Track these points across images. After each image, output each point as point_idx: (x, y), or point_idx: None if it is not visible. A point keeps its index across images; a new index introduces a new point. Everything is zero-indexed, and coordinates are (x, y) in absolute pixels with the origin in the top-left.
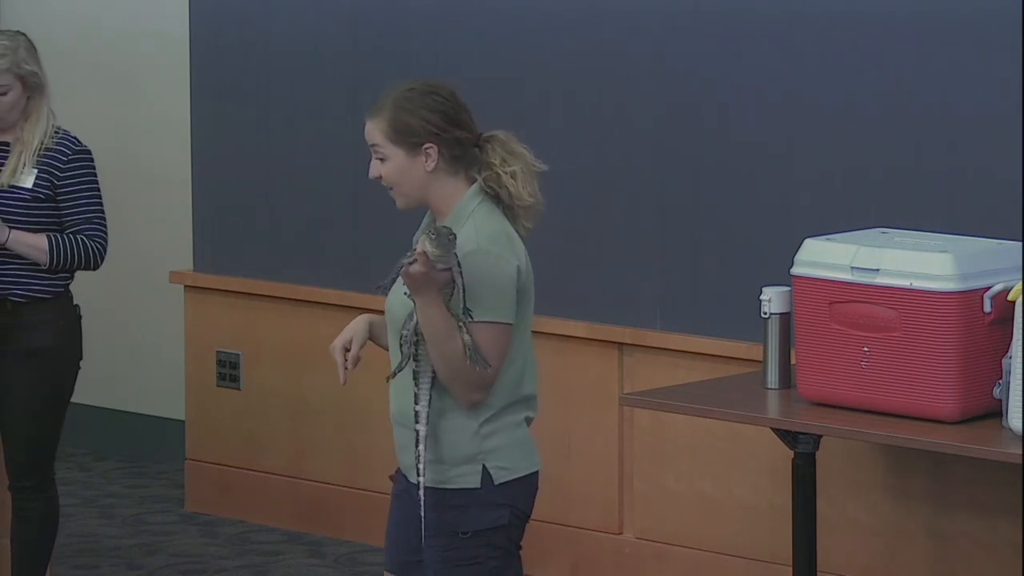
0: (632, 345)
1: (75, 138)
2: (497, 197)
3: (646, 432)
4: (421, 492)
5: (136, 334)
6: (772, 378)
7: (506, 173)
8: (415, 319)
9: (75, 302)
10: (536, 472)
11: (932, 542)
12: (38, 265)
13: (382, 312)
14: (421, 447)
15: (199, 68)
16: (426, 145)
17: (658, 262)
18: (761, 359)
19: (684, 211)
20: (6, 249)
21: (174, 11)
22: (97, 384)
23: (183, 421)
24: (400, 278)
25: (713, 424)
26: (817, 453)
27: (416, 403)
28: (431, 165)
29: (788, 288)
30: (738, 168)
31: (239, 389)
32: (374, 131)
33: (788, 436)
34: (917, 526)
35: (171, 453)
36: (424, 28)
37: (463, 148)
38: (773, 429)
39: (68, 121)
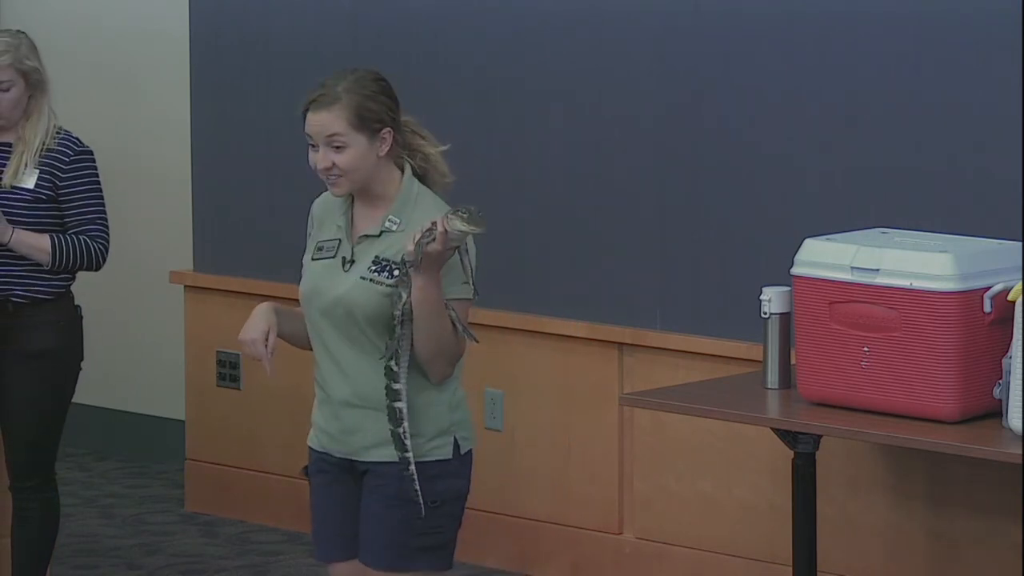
0: (632, 345)
1: (77, 138)
2: (422, 179)
3: (646, 432)
4: (412, 468)
5: (136, 334)
6: (772, 378)
7: (433, 153)
8: (404, 298)
9: (76, 303)
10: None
11: (932, 542)
12: (40, 266)
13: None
14: (406, 424)
15: (199, 68)
16: (384, 130)
17: (658, 262)
18: (761, 359)
19: (684, 211)
20: (8, 249)
21: (174, 11)
22: (97, 384)
23: (183, 421)
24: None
25: (713, 424)
26: (817, 453)
27: (396, 381)
28: (384, 150)
29: (788, 288)
30: (738, 168)
31: (239, 389)
32: (333, 120)
33: (788, 436)
34: (917, 526)
35: (171, 453)
36: (423, 28)
37: (401, 134)
38: (773, 429)
39: (68, 121)
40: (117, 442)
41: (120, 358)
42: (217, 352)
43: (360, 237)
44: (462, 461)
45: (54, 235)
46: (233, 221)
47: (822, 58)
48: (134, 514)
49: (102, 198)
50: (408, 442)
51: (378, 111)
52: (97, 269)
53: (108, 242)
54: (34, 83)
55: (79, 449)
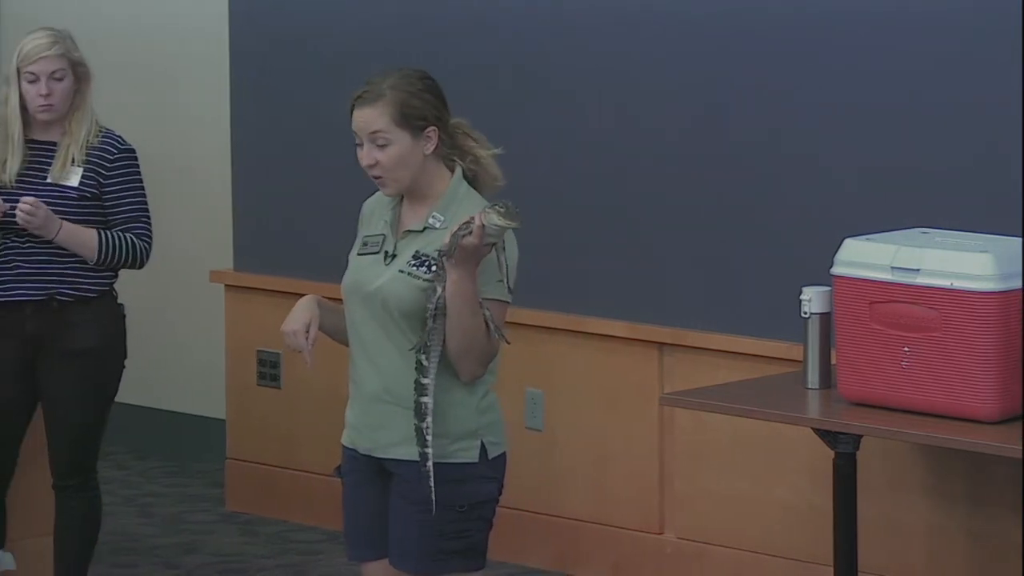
0: (672, 345)
1: (120, 136)
2: (472, 181)
3: (686, 432)
4: (430, 464)
5: (176, 333)
6: (812, 378)
7: (484, 155)
8: (439, 293)
9: (119, 301)
10: (507, 449)
11: (972, 542)
12: (84, 264)
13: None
14: (429, 419)
15: (239, 67)
16: (428, 129)
17: (698, 262)
18: (801, 359)
19: (725, 211)
20: (53, 248)
21: (214, 10)
22: (137, 383)
23: (223, 420)
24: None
25: (753, 424)
26: (857, 453)
27: (424, 376)
28: (430, 148)
29: (828, 288)
30: (779, 168)
31: (279, 388)
32: (377, 117)
33: (828, 436)
34: (957, 526)
35: (211, 452)
36: (462, 29)
37: (449, 133)
38: (813, 429)
39: (108, 120)
40: (157, 441)
41: (160, 357)
42: (257, 351)
43: (404, 232)
44: (490, 465)
45: (101, 231)
46: (273, 220)
47: (864, 58)
48: (173, 513)
49: (145, 196)
50: (429, 439)
51: (422, 108)
52: (140, 267)
53: (151, 240)
54: (80, 75)
55: (119, 448)
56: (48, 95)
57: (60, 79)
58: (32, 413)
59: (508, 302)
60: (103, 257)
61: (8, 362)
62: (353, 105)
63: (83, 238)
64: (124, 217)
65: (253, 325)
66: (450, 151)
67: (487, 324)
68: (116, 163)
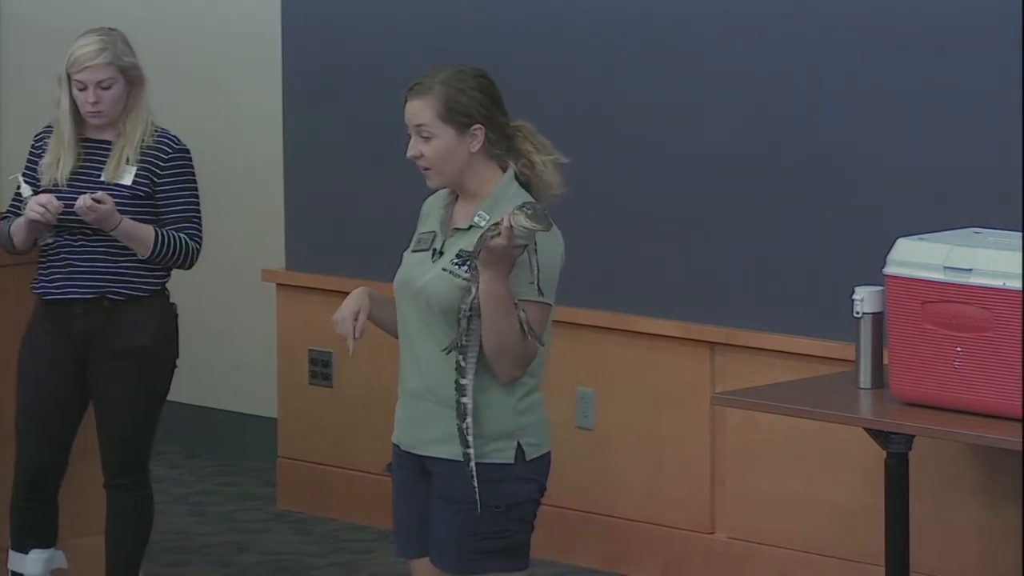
0: (724, 344)
1: (175, 137)
2: (526, 185)
3: (738, 432)
4: (472, 464)
5: (228, 332)
6: (864, 378)
7: (540, 161)
8: (473, 293)
9: (171, 301)
10: (551, 451)
11: None
12: (136, 264)
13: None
14: (469, 419)
15: (291, 66)
16: (474, 126)
17: (750, 261)
18: (853, 359)
19: (777, 210)
20: (107, 246)
21: (267, 9)
22: (189, 382)
23: (275, 419)
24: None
25: (805, 424)
26: (909, 453)
27: (463, 376)
28: (475, 146)
29: (881, 288)
30: (831, 167)
31: (331, 387)
32: (423, 110)
33: (881, 436)
34: (1009, 526)
35: (263, 451)
36: (515, 28)
37: (502, 133)
38: (866, 429)
39: (161, 121)
40: (209, 440)
41: (212, 356)
42: (309, 350)
43: (452, 230)
44: (528, 467)
45: (156, 228)
46: (325, 219)
47: (915, 57)
48: (225, 512)
49: (198, 197)
50: (470, 439)
51: (468, 106)
52: (190, 267)
53: (202, 241)
54: (132, 79)
55: (171, 447)
56: (96, 103)
57: (108, 87)
58: (83, 412)
59: (547, 304)
60: (157, 252)
61: (60, 361)
62: (407, 96)
63: (140, 233)
64: (176, 216)
65: (305, 324)
66: (504, 152)
67: (522, 326)
68: (170, 163)
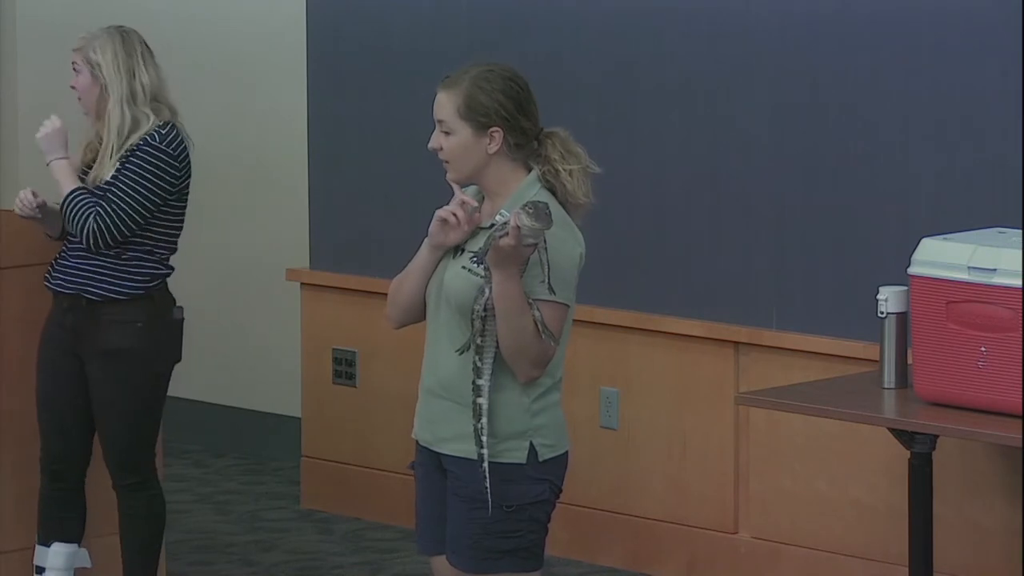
0: (748, 344)
1: (164, 140)
2: (551, 191)
3: (761, 431)
4: (485, 465)
5: (252, 332)
6: (889, 378)
7: (565, 170)
8: (487, 294)
9: (172, 303)
10: (568, 451)
11: None
12: (115, 264)
13: None
14: (484, 419)
15: (316, 66)
16: (492, 128)
17: (775, 261)
18: (877, 359)
19: (801, 210)
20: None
21: (292, 9)
22: (213, 381)
23: (299, 418)
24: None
25: (829, 423)
26: (933, 453)
27: (479, 377)
28: (493, 148)
29: (905, 288)
30: (855, 167)
31: (355, 387)
32: (446, 104)
33: (905, 436)
34: None
35: (287, 450)
36: (540, 28)
37: (526, 138)
38: (889, 429)
39: (186, 118)
40: (233, 439)
41: (237, 356)
42: (333, 350)
43: (476, 229)
44: (540, 467)
45: (79, 188)
46: (349, 219)
47: (940, 56)
48: (250, 511)
49: (140, 191)
50: (484, 439)
51: (488, 107)
52: (85, 240)
53: (108, 225)
54: (97, 78)
55: (195, 446)
56: (73, 85)
57: (77, 71)
58: (91, 404)
59: (562, 304)
60: (64, 208)
61: (63, 353)
62: (439, 87)
63: (63, 180)
64: (104, 188)
65: (329, 323)
66: (528, 157)
67: (536, 326)
68: (135, 153)
